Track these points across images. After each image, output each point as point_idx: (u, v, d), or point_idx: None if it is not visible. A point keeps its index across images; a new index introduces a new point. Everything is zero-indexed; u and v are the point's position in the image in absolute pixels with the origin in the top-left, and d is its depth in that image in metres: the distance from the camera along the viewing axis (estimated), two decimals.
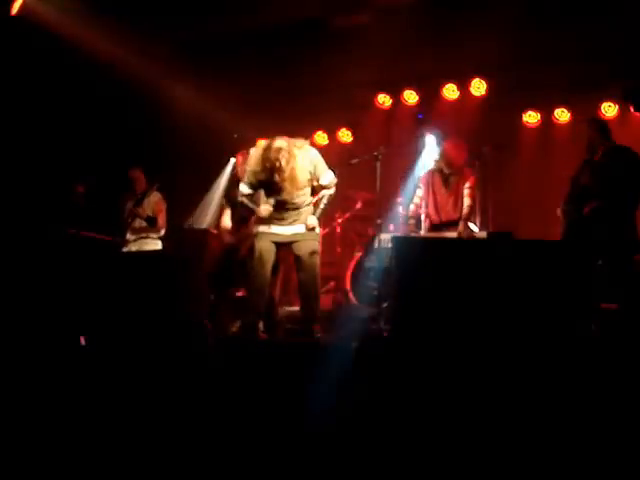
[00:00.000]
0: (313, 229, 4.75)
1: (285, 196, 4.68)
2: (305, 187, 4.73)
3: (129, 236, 6.20)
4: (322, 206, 4.82)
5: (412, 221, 5.90)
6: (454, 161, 5.75)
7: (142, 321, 4.07)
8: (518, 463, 2.66)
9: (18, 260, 5.64)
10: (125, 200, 6.34)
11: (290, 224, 4.71)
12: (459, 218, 5.57)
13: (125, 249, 6.18)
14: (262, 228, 4.74)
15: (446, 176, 5.77)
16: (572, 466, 2.61)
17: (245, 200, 4.85)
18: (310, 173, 4.70)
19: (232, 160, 5.18)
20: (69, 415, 3.35)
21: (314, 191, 4.88)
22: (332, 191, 4.84)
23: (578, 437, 2.67)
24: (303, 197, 4.75)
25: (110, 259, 5.37)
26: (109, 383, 3.47)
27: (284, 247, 4.77)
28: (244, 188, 4.83)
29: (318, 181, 4.77)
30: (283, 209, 4.72)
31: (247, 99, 7.74)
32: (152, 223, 6.12)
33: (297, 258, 4.71)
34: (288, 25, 7.52)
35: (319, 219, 4.82)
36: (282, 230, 4.72)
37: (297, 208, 4.73)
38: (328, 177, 4.78)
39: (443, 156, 5.81)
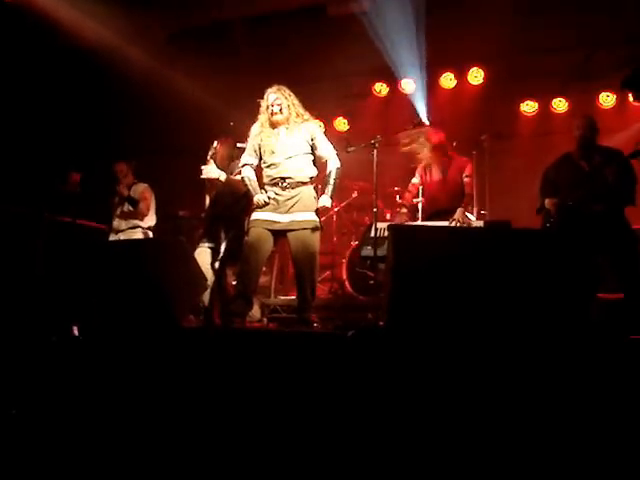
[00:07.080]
0: (325, 210, 4.54)
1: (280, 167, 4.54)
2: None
3: (116, 224, 6.12)
4: (332, 182, 4.56)
5: (408, 210, 5.85)
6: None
7: (132, 310, 3.99)
8: (516, 457, 2.64)
9: (10, 248, 5.62)
10: (114, 194, 6.23)
11: (287, 212, 4.49)
12: (456, 207, 5.49)
13: (113, 238, 6.07)
14: (257, 215, 4.54)
15: (443, 165, 5.74)
16: (572, 461, 2.60)
17: (246, 180, 4.68)
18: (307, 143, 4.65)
19: (215, 143, 5.11)
20: (61, 406, 3.33)
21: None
22: (339, 164, 4.64)
23: (577, 431, 2.65)
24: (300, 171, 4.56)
25: (100, 246, 5.28)
26: (101, 373, 3.44)
27: (280, 234, 4.54)
28: (245, 158, 4.74)
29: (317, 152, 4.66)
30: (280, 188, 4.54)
31: (243, 86, 7.70)
32: (133, 204, 6.02)
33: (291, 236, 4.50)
34: (285, 12, 7.48)
35: (332, 198, 4.57)
36: (279, 218, 4.50)
37: (295, 187, 4.52)
38: (328, 149, 4.68)
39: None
